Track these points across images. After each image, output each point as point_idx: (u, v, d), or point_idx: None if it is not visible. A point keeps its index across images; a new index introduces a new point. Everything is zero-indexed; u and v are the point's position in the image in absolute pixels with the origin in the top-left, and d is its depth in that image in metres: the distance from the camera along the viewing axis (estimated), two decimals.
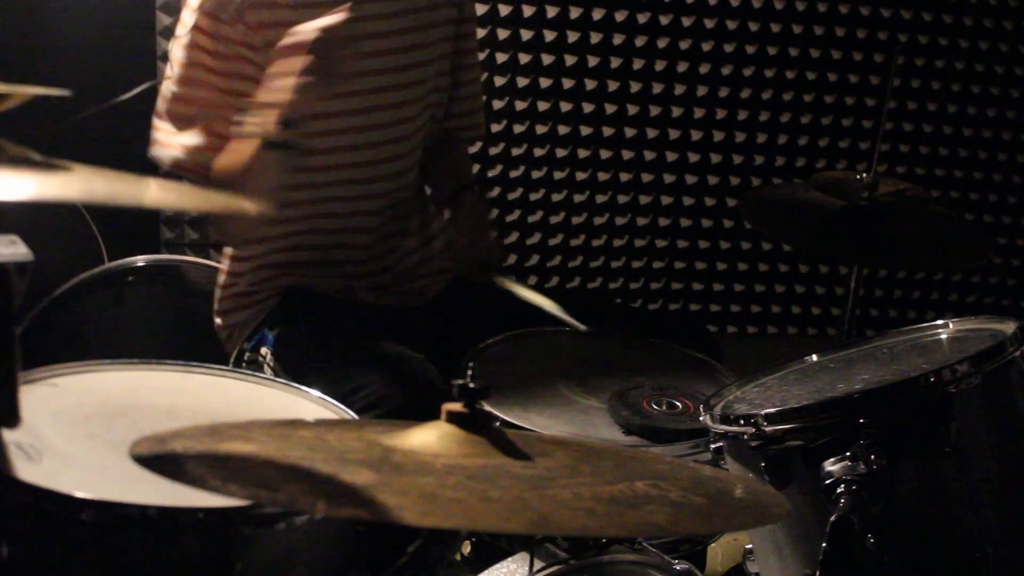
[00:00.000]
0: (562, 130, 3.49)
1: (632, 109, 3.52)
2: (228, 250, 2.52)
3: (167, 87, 2.32)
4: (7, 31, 2.94)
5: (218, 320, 2.50)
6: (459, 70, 2.60)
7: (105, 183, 1.29)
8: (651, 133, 3.55)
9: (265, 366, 2.39)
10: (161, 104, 2.33)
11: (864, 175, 2.73)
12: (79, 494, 1.48)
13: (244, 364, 2.43)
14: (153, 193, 1.29)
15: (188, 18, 2.30)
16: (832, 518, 1.65)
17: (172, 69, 2.32)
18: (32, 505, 1.50)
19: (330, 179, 2.42)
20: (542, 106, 3.45)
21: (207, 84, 2.30)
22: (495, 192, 3.48)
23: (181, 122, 2.31)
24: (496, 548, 2.02)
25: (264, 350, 2.40)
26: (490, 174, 3.47)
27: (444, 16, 2.52)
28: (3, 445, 1.52)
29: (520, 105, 3.43)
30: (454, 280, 2.62)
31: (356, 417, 1.86)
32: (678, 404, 2.13)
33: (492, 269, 2.56)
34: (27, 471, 1.53)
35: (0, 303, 1.23)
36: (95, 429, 1.70)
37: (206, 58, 2.29)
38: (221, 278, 2.52)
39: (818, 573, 1.64)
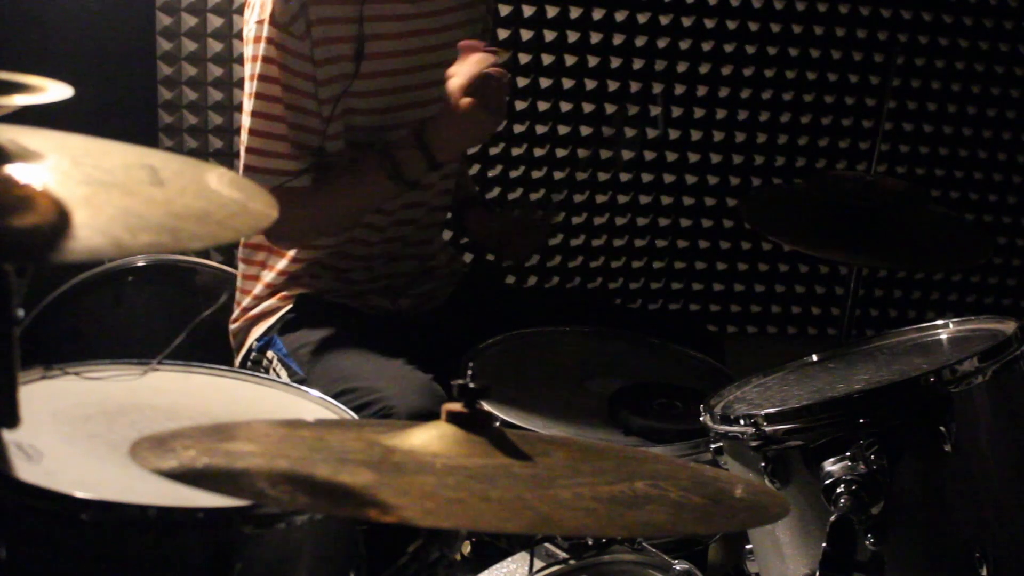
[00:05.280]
0: (562, 130, 3.49)
1: (632, 109, 3.52)
2: (254, 254, 2.52)
3: (246, 114, 2.33)
4: (6, 31, 2.94)
5: (232, 324, 2.51)
6: None
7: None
8: (651, 133, 3.55)
9: (271, 371, 2.39)
10: (249, 139, 2.33)
11: (864, 175, 2.73)
12: (79, 494, 1.48)
13: (250, 364, 2.43)
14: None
15: (258, 30, 2.29)
16: (832, 518, 1.65)
17: (250, 87, 2.32)
18: (32, 505, 1.50)
19: None
20: (542, 106, 3.45)
21: (281, 100, 2.30)
22: (495, 192, 3.48)
23: (266, 157, 2.32)
24: (496, 548, 2.02)
25: (271, 354, 2.40)
26: (490, 174, 3.47)
27: (477, 14, 2.53)
28: (3, 445, 1.52)
29: (520, 105, 3.43)
30: (464, 281, 2.62)
31: (356, 417, 1.86)
32: (678, 404, 2.13)
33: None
34: (27, 471, 1.53)
35: (0, 303, 1.23)
36: (95, 429, 1.70)
37: (277, 72, 2.29)
38: (240, 281, 2.52)
39: (818, 573, 1.64)
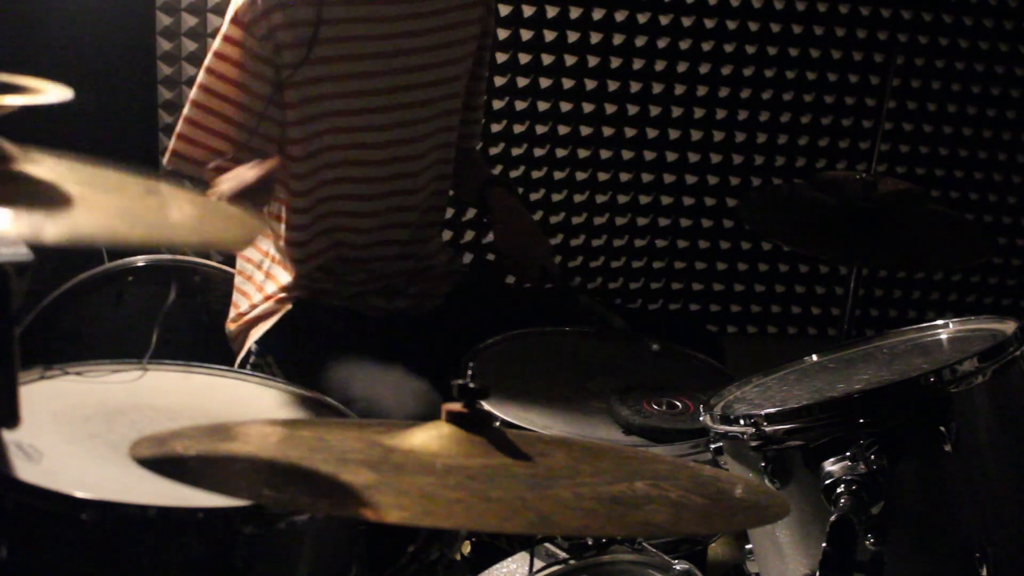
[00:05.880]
0: (562, 130, 3.49)
1: (632, 109, 3.52)
2: (251, 254, 2.53)
3: (191, 105, 2.35)
4: (6, 31, 2.94)
5: (231, 326, 2.51)
6: (474, 80, 2.62)
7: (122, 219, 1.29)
8: (651, 133, 3.55)
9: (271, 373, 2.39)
10: (181, 126, 2.36)
11: (864, 175, 2.72)
12: (79, 494, 1.48)
13: (249, 367, 2.43)
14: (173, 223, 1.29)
15: (224, 27, 2.32)
16: (832, 518, 1.65)
17: (202, 76, 2.34)
18: (32, 505, 1.50)
19: (357, 192, 2.43)
20: (542, 106, 3.45)
21: (224, 97, 2.32)
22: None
23: (192, 145, 2.34)
24: (496, 548, 2.02)
25: (271, 359, 2.40)
26: None
27: (475, 15, 2.53)
28: (3, 445, 1.52)
29: (520, 105, 3.43)
30: (463, 281, 2.62)
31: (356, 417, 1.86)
32: (678, 404, 2.13)
33: (550, 275, 2.58)
34: (27, 471, 1.53)
35: (0, 303, 1.24)
36: (95, 429, 1.70)
37: (229, 68, 2.31)
38: (238, 280, 2.52)
39: (818, 573, 1.64)
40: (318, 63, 2.32)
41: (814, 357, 2.08)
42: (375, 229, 2.47)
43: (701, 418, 1.91)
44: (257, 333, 2.44)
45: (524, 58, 3.41)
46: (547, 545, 1.91)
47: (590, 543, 1.89)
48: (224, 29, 2.31)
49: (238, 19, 2.29)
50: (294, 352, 2.37)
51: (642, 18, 3.47)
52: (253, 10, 2.28)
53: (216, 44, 2.32)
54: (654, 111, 3.54)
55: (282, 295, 2.45)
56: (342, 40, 2.34)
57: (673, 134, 3.57)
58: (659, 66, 3.51)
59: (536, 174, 3.51)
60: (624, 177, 3.57)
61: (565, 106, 3.48)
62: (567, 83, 3.45)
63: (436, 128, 2.50)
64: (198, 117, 2.34)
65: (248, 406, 1.86)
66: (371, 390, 2.20)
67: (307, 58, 2.31)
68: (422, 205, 2.52)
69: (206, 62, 2.33)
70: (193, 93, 2.35)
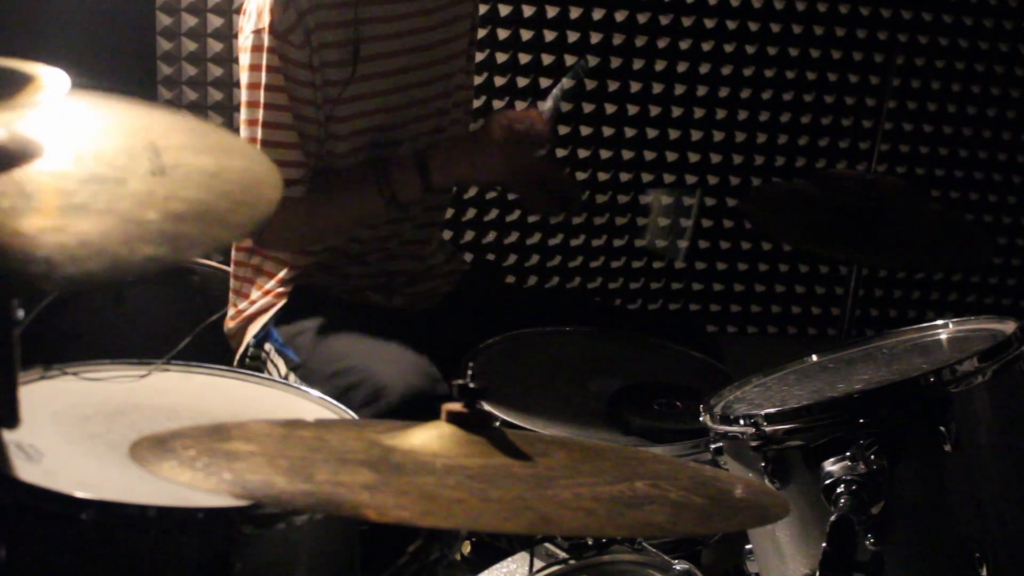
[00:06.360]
0: (562, 130, 3.49)
1: (632, 109, 3.52)
2: (243, 256, 2.53)
3: (252, 124, 2.30)
4: (4, 30, 2.94)
5: (229, 324, 2.51)
6: (466, 75, 2.62)
7: None
8: (651, 133, 3.55)
9: (268, 362, 2.39)
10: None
11: (864, 175, 2.73)
12: (79, 494, 1.48)
13: (248, 360, 2.44)
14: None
15: (257, 39, 2.28)
16: (832, 518, 1.65)
17: (252, 95, 2.31)
18: (32, 505, 1.49)
19: None
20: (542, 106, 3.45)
21: (287, 109, 2.30)
22: (495, 192, 3.48)
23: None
24: (496, 548, 2.02)
25: (268, 346, 2.41)
26: None
27: (465, 10, 2.53)
28: (3, 445, 1.52)
29: (520, 105, 3.43)
30: (464, 281, 2.63)
31: (356, 417, 1.86)
32: (678, 404, 2.13)
33: (570, 197, 2.60)
34: (27, 471, 1.53)
35: (0, 303, 1.23)
36: (95, 429, 1.70)
37: (282, 81, 2.29)
38: (233, 282, 2.52)
39: (818, 573, 1.64)
40: (362, 62, 2.32)
41: (814, 357, 2.08)
42: (380, 224, 2.47)
43: (701, 418, 1.91)
44: (254, 328, 2.45)
45: (524, 58, 3.41)
46: (547, 545, 1.91)
47: (590, 543, 1.89)
48: (264, 42, 2.26)
49: (275, 30, 2.26)
50: (292, 335, 2.37)
51: (642, 18, 3.47)
52: (288, 18, 2.25)
53: (263, 59, 2.27)
54: (654, 111, 3.54)
55: (280, 289, 2.45)
56: (376, 40, 2.34)
57: (673, 134, 3.57)
58: (659, 66, 3.51)
59: None
60: (624, 177, 3.57)
61: (565, 106, 3.47)
62: (567, 83, 3.45)
63: (443, 124, 2.51)
64: (275, 136, 2.30)
65: (248, 406, 1.86)
66: (368, 361, 2.20)
67: (356, 61, 2.30)
68: (426, 201, 2.52)
69: (261, 80, 2.29)
70: (262, 115, 2.29)
